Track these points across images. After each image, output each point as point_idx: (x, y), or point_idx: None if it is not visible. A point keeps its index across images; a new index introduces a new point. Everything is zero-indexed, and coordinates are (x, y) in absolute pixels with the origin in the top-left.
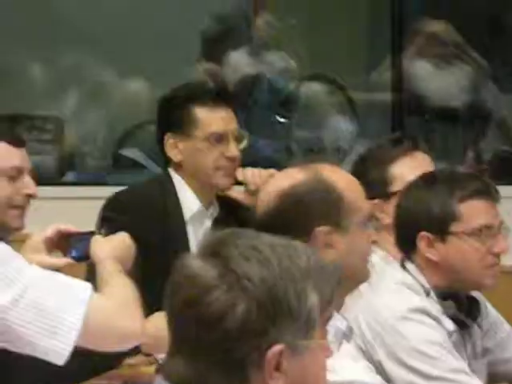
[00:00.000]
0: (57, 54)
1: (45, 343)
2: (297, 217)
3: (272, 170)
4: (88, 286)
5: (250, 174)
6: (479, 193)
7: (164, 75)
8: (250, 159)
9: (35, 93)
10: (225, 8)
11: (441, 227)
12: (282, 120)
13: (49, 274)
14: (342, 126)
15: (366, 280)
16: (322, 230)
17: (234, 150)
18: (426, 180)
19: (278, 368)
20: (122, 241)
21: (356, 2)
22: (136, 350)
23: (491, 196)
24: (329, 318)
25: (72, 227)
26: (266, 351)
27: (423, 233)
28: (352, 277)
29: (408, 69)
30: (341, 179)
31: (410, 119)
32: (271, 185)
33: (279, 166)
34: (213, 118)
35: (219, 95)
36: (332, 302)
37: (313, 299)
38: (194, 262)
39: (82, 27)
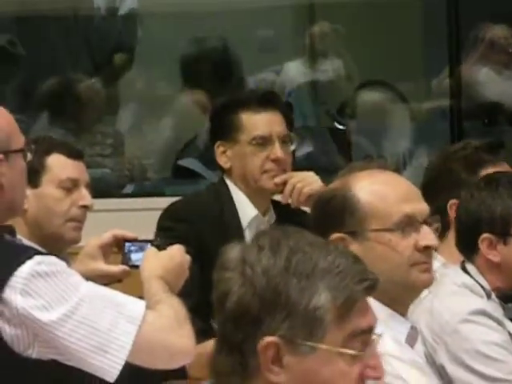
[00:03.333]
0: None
1: (94, 361)
2: (319, 223)
3: (315, 189)
4: (142, 303)
5: (290, 189)
6: None
7: (226, 87)
8: (308, 164)
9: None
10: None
11: (503, 229)
12: (341, 127)
13: (103, 292)
14: (401, 133)
15: (415, 287)
16: (335, 236)
17: (278, 151)
18: (489, 182)
19: (277, 362)
20: (171, 258)
21: (411, 9)
22: (184, 375)
23: None
24: (362, 330)
25: (128, 233)
26: (260, 340)
27: (485, 234)
28: (390, 284)
29: (468, 75)
30: (366, 186)
31: (469, 125)
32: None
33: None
34: (256, 121)
35: (265, 99)
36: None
37: (322, 299)
38: (240, 247)
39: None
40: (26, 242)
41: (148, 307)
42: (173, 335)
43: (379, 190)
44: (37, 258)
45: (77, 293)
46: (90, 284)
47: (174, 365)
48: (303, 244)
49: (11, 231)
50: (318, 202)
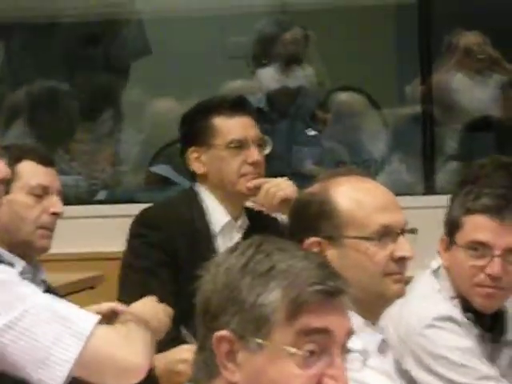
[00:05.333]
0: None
1: (35, 373)
2: (296, 226)
3: (289, 194)
4: (94, 318)
5: (264, 194)
6: (485, 209)
7: (194, 94)
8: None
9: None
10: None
11: (450, 234)
12: (313, 132)
13: (53, 305)
14: (375, 138)
15: (387, 297)
16: (312, 241)
17: (255, 155)
18: (459, 185)
19: (232, 359)
20: (157, 314)
21: (384, 16)
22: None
23: (498, 213)
24: (314, 329)
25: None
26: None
27: (444, 237)
28: (363, 293)
29: (441, 81)
30: (346, 192)
31: (441, 131)
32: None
33: (310, 178)
34: (231, 126)
35: (237, 104)
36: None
37: (270, 297)
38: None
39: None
40: None
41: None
42: (123, 351)
43: (359, 198)
44: None
45: (23, 303)
46: (42, 296)
47: (124, 382)
48: (271, 247)
49: None
50: (296, 206)
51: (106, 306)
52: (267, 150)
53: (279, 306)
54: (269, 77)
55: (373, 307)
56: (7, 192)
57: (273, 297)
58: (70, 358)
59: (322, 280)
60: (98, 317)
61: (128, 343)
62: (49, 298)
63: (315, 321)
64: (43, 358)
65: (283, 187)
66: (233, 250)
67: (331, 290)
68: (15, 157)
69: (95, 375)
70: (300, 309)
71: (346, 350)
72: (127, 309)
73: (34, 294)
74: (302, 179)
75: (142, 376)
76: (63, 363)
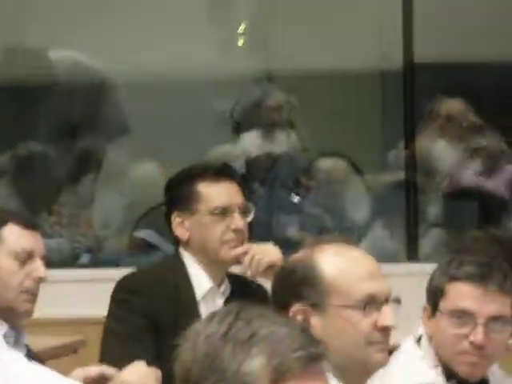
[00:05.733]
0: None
1: None
2: (280, 293)
3: (274, 260)
4: None
5: (249, 260)
6: (469, 276)
7: (179, 158)
8: (265, 236)
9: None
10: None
11: (432, 301)
12: (297, 198)
13: (34, 375)
14: (357, 204)
15: (370, 366)
16: (296, 308)
17: (239, 222)
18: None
19: None
20: (146, 380)
21: (368, 82)
22: None
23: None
24: None
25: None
26: None
27: (426, 305)
28: (346, 360)
29: (424, 148)
30: (331, 260)
31: (424, 197)
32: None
33: (294, 244)
34: (215, 192)
35: (222, 171)
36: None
37: (253, 364)
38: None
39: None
40: None
41: None
42: None
43: (344, 266)
44: None
45: (5, 369)
46: (23, 365)
47: None
48: (251, 314)
49: None
50: (281, 272)
51: (96, 369)
52: (250, 217)
53: (262, 373)
54: (252, 142)
55: (356, 375)
56: None
57: (255, 364)
58: None
59: (304, 346)
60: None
61: None
62: (28, 369)
63: None
64: None
65: (269, 253)
66: (211, 317)
67: (313, 355)
68: (0, 220)
69: None
70: (283, 376)
71: None
72: (117, 375)
73: (15, 363)
74: (284, 245)
75: None
76: None
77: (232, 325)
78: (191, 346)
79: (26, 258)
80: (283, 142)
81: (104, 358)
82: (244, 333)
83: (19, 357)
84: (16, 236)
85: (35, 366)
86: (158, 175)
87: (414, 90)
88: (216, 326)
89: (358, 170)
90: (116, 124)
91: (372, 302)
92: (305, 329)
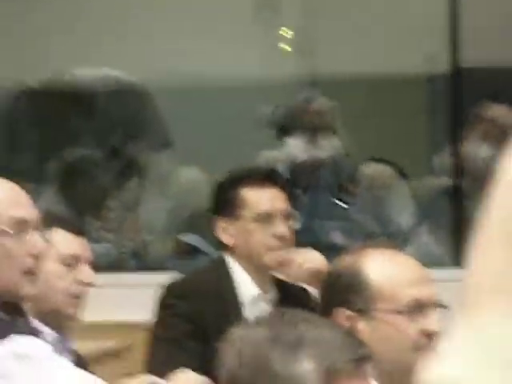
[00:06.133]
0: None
1: None
2: (327, 299)
3: (318, 266)
4: None
5: (293, 267)
6: None
7: (225, 162)
8: (309, 242)
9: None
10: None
11: None
12: (342, 203)
13: (84, 381)
14: (403, 210)
15: (415, 373)
16: (343, 313)
17: (282, 228)
18: None
19: None
20: None
21: (413, 86)
22: None
23: None
24: None
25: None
26: None
27: None
28: (392, 366)
29: (469, 153)
30: (377, 265)
31: (469, 203)
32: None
33: (339, 250)
34: (259, 198)
35: (267, 176)
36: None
37: (304, 368)
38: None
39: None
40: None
41: None
42: None
43: (390, 271)
44: (19, 339)
45: (54, 380)
46: (73, 372)
47: None
48: (296, 319)
49: (13, 310)
50: (328, 278)
51: (147, 380)
52: (296, 225)
53: (313, 376)
54: (296, 147)
55: (402, 381)
56: None
57: (306, 367)
58: None
59: (352, 348)
60: None
61: None
62: (78, 375)
63: None
64: None
65: (312, 259)
66: (254, 322)
67: (361, 357)
68: (47, 225)
69: None
70: (334, 378)
71: None
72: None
73: (63, 371)
74: (329, 252)
75: None
76: None
77: (278, 329)
78: (236, 351)
79: (73, 262)
80: (327, 147)
81: (150, 363)
82: (291, 336)
83: (66, 364)
84: (63, 241)
85: (82, 373)
86: (203, 180)
87: (460, 95)
88: (261, 330)
89: (403, 175)
90: (158, 135)
91: (418, 308)
92: (349, 331)
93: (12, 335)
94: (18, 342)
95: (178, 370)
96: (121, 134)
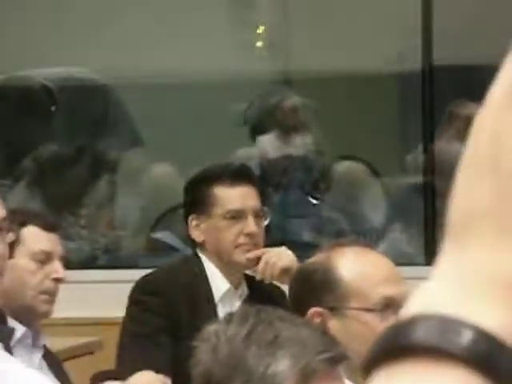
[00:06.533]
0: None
1: None
2: (298, 296)
3: (289, 264)
4: None
5: (264, 265)
6: None
7: (197, 159)
8: (281, 239)
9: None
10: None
11: None
12: (314, 201)
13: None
14: (375, 208)
15: None
16: (314, 311)
17: (252, 226)
18: None
19: None
20: None
21: (385, 84)
22: None
23: None
24: None
25: None
26: None
27: None
28: None
29: (442, 152)
30: (349, 263)
31: (442, 201)
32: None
33: (311, 248)
34: (230, 196)
35: (238, 173)
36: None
37: (280, 366)
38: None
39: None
40: None
41: None
42: None
43: (362, 269)
44: None
45: (3, 380)
46: (24, 372)
47: None
48: (271, 316)
49: None
50: (299, 275)
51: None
52: (266, 221)
53: (289, 375)
54: (268, 145)
55: None
56: (10, 256)
57: (282, 366)
58: None
59: (328, 348)
60: None
61: None
62: (29, 376)
63: None
64: None
65: (283, 257)
66: (229, 319)
67: (337, 357)
68: (20, 221)
69: None
70: (309, 377)
71: None
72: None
73: (14, 371)
74: (300, 249)
75: None
76: None
77: (254, 326)
78: (211, 347)
79: (44, 259)
80: (299, 145)
81: (121, 359)
82: (267, 335)
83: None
84: (35, 237)
85: (31, 373)
86: (175, 177)
87: (432, 93)
88: (237, 327)
89: (375, 172)
90: (126, 133)
91: (390, 305)
92: (325, 331)
93: None
94: None
95: (138, 372)
96: (89, 132)
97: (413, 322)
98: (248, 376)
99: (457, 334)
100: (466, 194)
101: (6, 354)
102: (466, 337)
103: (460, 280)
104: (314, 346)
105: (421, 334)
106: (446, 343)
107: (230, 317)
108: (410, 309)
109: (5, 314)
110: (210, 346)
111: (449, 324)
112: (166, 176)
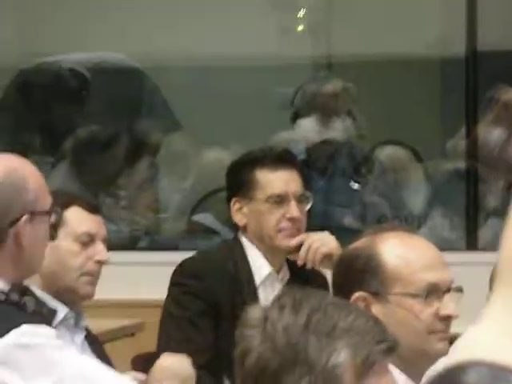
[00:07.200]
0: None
1: None
2: (341, 281)
3: (331, 249)
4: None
5: (306, 250)
6: None
7: (239, 143)
8: (322, 225)
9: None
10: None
11: None
12: (356, 186)
13: (89, 371)
14: (417, 193)
15: (430, 355)
16: (358, 295)
17: (294, 210)
18: None
19: None
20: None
21: (428, 69)
22: None
23: None
24: None
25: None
26: None
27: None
28: (406, 350)
29: (483, 137)
30: (393, 248)
31: (484, 186)
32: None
33: (353, 233)
34: (272, 180)
35: (281, 157)
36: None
37: (341, 357)
38: (263, 306)
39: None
40: (40, 293)
41: None
42: None
43: (405, 255)
44: (23, 328)
45: (59, 369)
46: (78, 360)
47: None
48: (324, 304)
49: (22, 290)
50: (343, 260)
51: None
52: (308, 206)
53: (349, 366)
54: (309, 129)
55: (416, 365)
56: (53, 238)
57: (342, 357)
58: None
59: (384, 337)
60: (134, 382)
61: None
62: (85, 363)
63: (381, 381)
64: None
65: (325, 242)
66: (280, 305)
67: (392, 347)
68: (63, 203)
69: None
70: (369, 368)
71: None
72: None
73: (71, 359)
74: (342, 234)
75: None
76: None
77: (310, 315)
78: (266, 335)
79: (88, 240)
80: (340, 129)
81: (161, 341)
82: (325, 324)
83: (73, 354)
84: (79, 219)
85: (87, 360)
86: (219, 160)
87: (476, 78)
88: (292, 316)
89: (418, 158)
90: (165, 117)
91: (434, 291)
92: (378, 320)
93: (20, 323)
94: (23, 331)
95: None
96: (126, 116)
97: (464, 367)
98: (308, 367)
99: (507, 382)
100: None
101: (60, 342)
102: None
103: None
104: (372, 336)
105: (472, 381)
106: None
107: (279, 302)
108: (460, 353)
109: (27, 289)
110: (264, 334)
111: (499, 372)
112: (210, 159)
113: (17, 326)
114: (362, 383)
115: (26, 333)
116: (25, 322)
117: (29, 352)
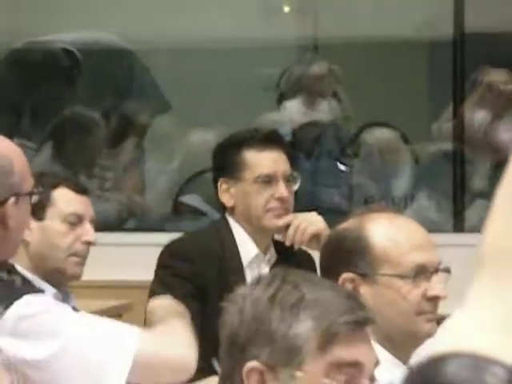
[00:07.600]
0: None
1: None
2: (329, 262)
3: (318, 229)
4: (135, 330)
5: (293, 230)
6: None
7: (225, 124)
8: (311, 206)
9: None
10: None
11: None
12: (343, 167)
13: (93, 324)
14: (403, 174)
15: (418, 336)
16: (345, 276)
17: (283, 190)
18: None
19: None
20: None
21: (415, 50)
22: None
23: None
24: (346, 363)
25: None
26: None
27: None
28: (394, 330)
29: (468, 119)
30: (381, 229)
31: (470, 168)
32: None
33: (340, 213)
34: (261, 160)
35: (269, 138)
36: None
37: (302, 327)
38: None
39: None
40: (28, 274)
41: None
42: (174, 351)
43: (394, 235)
44: (25, 298)
45: (67, 329)
46: (82, 317)
47: (181, 378)
48: (298, 278)
49: (9, 270)
50: (331, 241)
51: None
52: (296, 186)
53: (311, 336)
54: (295, 110)
55: (404, 346)
56: (41, 218)
57: (304, 327)
58: (122, 375)
59: (352, 310)
60: (137, 328)
61: (175, 341)
62: (88, 319)
63: (346, 353)
64: (97, 379)
65: (313, 223)
66: (257, 281)
67: (360, 320)
68: (51, 184)
69: (150, 379)
70: (331, 339)
71: (373, 380)
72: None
73: (75, 317)
74: (329, 215)
75: (192, 371)
76: (118, 378)
77: (279, 288)
78: (237, 309)
79: (76, 221)
80: (326, 111)
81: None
82: (291, 297)
83: (71, 312)
84: (67, 199)
85: (94, 318)
86: (205, 141)
87: (463, 60)
88: (263, 289)
89: (404, 139)
90: (153, 97)
91: (422, 272)
92: (351, 293)
93: (23, 296)
94: (25, 301)
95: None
96: (114, 96)
97: (445, 358)
98: (270, 337)
99: (488, 373)
100: (506, 230)
101: (61, 307)
102: (498, 375)
103: (497, 318)
104: (337, 308)
105: (452, 371)
106: (478, 382)
107: (257, 280)
108: (443, 342)
109: (13, 268)
110: (236, 308)
111: (481, 363)
112: (195, 140)
113: (17, 298)
114: (325, 354)
115: (29, 302)
116: (25, 294)
117: (34, 320)
